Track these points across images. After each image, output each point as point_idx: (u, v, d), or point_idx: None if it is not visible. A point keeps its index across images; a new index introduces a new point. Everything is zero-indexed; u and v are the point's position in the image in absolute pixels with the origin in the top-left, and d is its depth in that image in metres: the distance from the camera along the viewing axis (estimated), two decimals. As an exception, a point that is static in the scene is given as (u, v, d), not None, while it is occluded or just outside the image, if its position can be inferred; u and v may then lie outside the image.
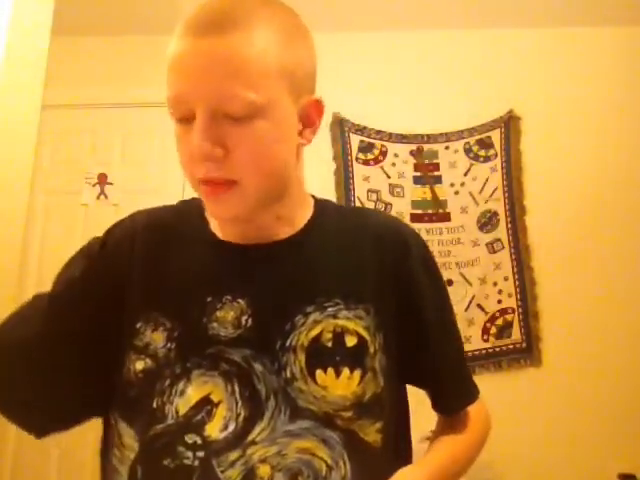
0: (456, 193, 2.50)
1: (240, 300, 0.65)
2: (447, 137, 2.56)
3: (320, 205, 0.76)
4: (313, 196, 0.77)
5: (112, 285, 0.68)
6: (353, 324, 0.64)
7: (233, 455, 0.58)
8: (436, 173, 2.53)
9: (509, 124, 2.56)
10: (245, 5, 0.60)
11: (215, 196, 0.62)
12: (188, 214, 0.75)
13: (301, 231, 0.71)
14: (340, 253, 0.70)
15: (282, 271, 0.67)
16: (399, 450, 0.68)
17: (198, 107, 0.59)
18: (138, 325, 0.66)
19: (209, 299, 0.65)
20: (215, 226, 0.72)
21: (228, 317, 0.64)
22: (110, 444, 0.64)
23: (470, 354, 2.31)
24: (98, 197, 2.59)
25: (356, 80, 2.58)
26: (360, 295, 0.66)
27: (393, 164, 2.54)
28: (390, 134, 2.56)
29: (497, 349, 2.33)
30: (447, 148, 2.55)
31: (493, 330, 2.35)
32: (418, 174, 2.53)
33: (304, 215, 0.73)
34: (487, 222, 2.47)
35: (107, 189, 2.60)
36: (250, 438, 0.59)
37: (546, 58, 2.64)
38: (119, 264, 0.70)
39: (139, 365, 0.64)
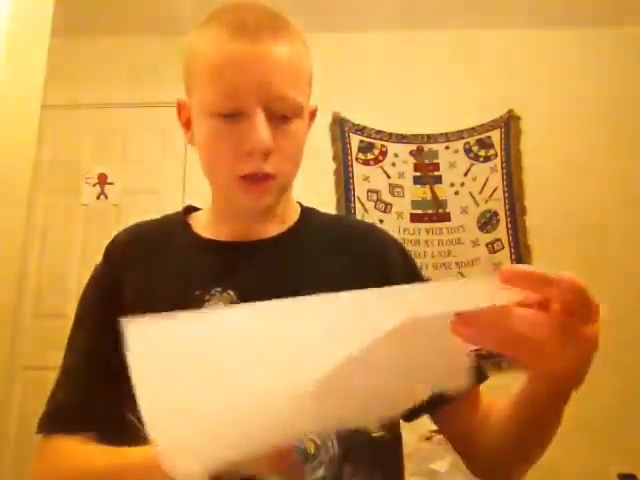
0: (456, 193, 2.50)
1: (230, 292, 0.67)
2: (447, 137, 2.56)
3: (306, 210, 0.80)
4: (299, 203, 0.81)
5: (115, 298, 0.71)
6: None
7: None
8: (436, 173, 2.53)
9: (509, 124, 2.56)
10: (280, 17, 0.68)
11: (259, 189, 0.66)
12: (171, 223, 0.78)
13: (289, 230, 0.74)
14: (324, 253, 0.73)
15: (270, 266, 0.70)
16: (390, 437, 0.68)
17: (255, 105, 0.63)
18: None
19: (197, 292, 0.67)
20: (201, 227, 0.75)
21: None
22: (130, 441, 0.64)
23: (470, 354, 2.32)
24: (98, 197, 2.59)
25: (356, 80, 2.58)
26: (342, 291, 0.68)
27: (393, 164, 2.54)
28: (390, 134, 2.56)
29: (497, 349, 2.33)
30: (447, 148, 2.55)
31: (493, 330, 2.36)
32: (418, 174, 2.53)
33: (292, 216, 0.76)
34: (487, 222, 2.47)
35: (107, 189, 2.60)
36: None
37: (546, 58, 2.64)
38: (114, 278, 0.72)
39: None
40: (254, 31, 0.63)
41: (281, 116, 0.64)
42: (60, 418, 0.67)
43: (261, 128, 0.62)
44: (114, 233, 0.79)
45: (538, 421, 0.59)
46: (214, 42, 0.64)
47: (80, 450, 0.62)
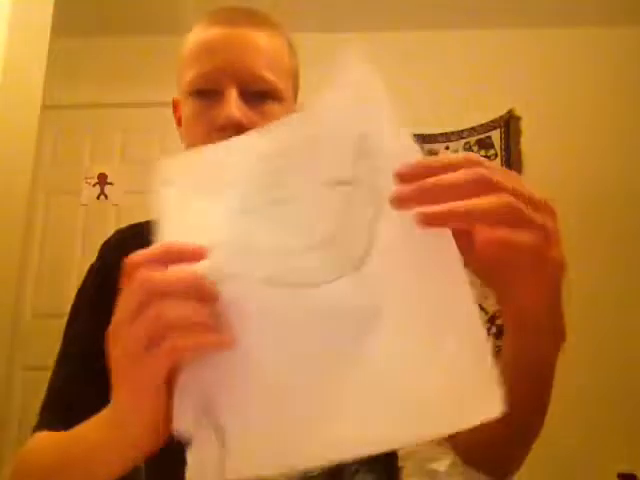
0: (456, 193, 2.50)
1: None
2: (447, 137, 2.56)
3: None
4: None
5: (111, 298, 0.69)
6: None
7: None
8: (436, 173, 2.53)
9: (509, 124, 2.56)
10: (265, 15, 0.73)
11: None
12: None
13: None
14: None
15: None
16: None
17: (229, 83, 0.66)
18: None
19: None
20: None
21: None
22: None
23: (470, 354, 2.32)
24: (98, 197, 2.59)
25: (356, 80, 2.58)
26: None
27: (393, 164, 2.54)
28: (390, 134, 2.56)
29: (497, 349, 2.33)
30: (447, 148, 2.55)
31: (493, 330, 2.35)
32: (418, 174, 2.53)
33: None
34: (487, 222, 2.47)
35: (107, 189, 2.60)
36: None
37: (546, 58, 2.64)
38: (111, 277, 0.70)
39: None
40: (232, 20, 0.69)
41: (257, 96, 0.67)
42: (50, 417, 0.65)
43: (232, 103, 0.65)
44: (114, 233, 0.79)
45: (523, 388, 0.48)
46: (196, 32, 0.70)
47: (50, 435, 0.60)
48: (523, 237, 0.36)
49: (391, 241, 0.39)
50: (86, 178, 2.60)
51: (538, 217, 0.36)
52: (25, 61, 1.60)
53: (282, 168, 0.43)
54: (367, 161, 0.42)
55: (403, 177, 0.37)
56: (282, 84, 0.69)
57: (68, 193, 2.58)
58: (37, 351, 2.30)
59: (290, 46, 0.73)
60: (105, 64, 2.65)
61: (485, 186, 0.36)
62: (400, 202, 0.37)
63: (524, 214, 0.36)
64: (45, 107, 1.70)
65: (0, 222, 1.52)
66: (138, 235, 0.76)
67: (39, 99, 1.65)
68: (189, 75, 0.68)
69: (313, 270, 0.39)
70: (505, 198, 0.35)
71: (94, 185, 2.60)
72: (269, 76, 0.67)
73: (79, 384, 0.66)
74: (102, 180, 2.60)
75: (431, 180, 0.36)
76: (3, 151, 1.51)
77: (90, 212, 2.56)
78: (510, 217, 0.36)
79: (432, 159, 0.38)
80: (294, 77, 0.73)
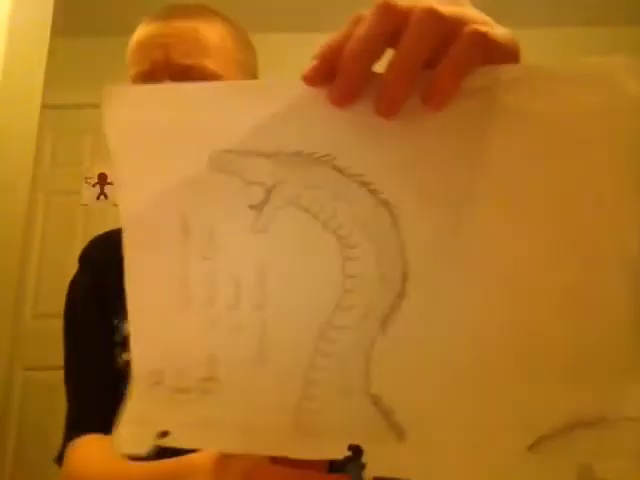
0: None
1: None
2: (447, 137, 2.56)
3: None
4: None
5: (103, 308, 0.69)
6: None
7: None
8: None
9: (509, 124, 2.56)
10: (206, 7, 0.72)
11: None
12: None
13: None
14: None
15: None
16: None
17: (164, 78, 0.65)
18: (115, 322, 0.67)
19: None
20: None
21: None
22: None
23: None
24: (98, 197, 2.59)
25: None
26: None
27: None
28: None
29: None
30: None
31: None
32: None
33: None
34: (487, 222, 2.47)
35: (107, 189, 2.60)
36: None
37: (546, 58, 2.64)
38: (98, 287, 0.71)
39: (125, 356, 0.64)
40: (168, 15, 0.68)
41: None
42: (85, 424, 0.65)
43: None
44: (114, 233, 0.78)
45: None
46: (136, 31, 0.71)
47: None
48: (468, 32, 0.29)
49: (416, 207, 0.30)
50: (86, 178, 2.60)
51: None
52: (25, 61, 1.60)
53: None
54: (280, 166, 0.31)
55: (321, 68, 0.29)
56: (224, 72, 0.67)
57: (68, 193, 2.58)
58: (37, 351, 2.31)
59: (240, 39, 0.72)
60: (105, 64, 2.65)
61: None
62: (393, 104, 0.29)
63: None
64: (45, 107, 1.70)
65: (0, 222, 1.52)
66: (110, 239, 0.73)
67: (39, 99, 1.65)
68: (131, 76, 0.68)
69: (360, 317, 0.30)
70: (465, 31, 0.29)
71: (94, 185, 2.60)
72: (205, 63, 0.65)
73: (99, 416, 0.65)
74: (102, 180, 2.60)
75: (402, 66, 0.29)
76: (3, 151, 1.51)
77: (90, 212, 2.56)
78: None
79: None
80: (245, 70, 0.72)
